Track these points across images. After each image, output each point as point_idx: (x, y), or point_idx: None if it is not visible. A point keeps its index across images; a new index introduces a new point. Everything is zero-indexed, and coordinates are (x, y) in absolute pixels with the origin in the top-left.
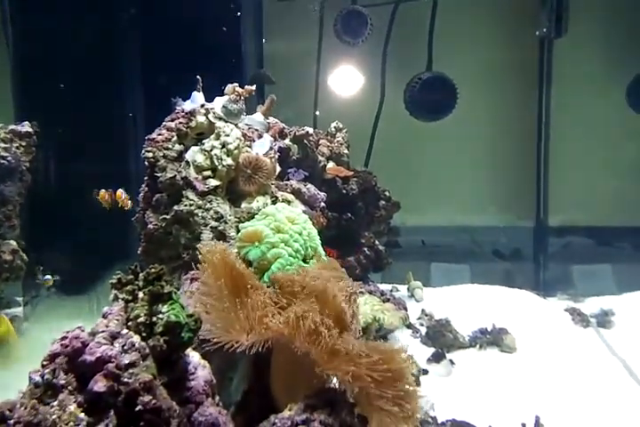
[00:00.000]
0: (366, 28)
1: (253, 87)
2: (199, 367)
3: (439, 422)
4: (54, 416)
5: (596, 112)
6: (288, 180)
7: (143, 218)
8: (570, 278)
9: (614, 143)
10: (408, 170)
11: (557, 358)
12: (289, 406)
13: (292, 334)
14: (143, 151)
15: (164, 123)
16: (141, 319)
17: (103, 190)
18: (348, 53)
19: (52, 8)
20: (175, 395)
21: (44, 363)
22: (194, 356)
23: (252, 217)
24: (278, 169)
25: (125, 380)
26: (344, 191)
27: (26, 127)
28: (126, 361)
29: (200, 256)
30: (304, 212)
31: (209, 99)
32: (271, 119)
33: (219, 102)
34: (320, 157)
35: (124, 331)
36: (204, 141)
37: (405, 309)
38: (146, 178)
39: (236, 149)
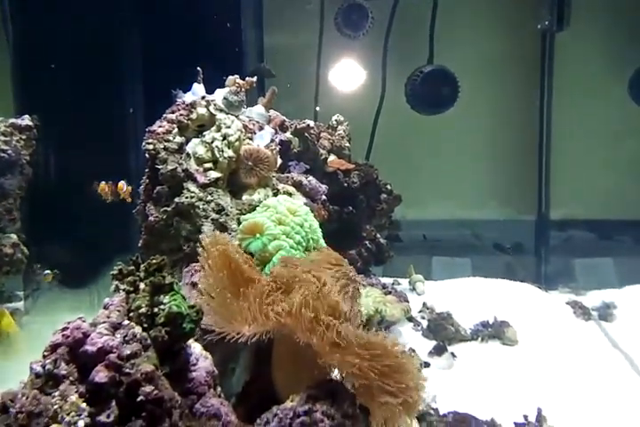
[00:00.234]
0: (367, 21)
1: (254, 79)
2: (201, 358)
3: (441, 413)
4: (56, 406)
5: (597, 105)
6: (289, 173)
7: (144, 210)
8: (571, 272)
9: (615, 137)
10: (409, 164)
11: (559, 351)
12: (291, 397)
13: (294, 323)
14: (144, 143)
15: (164, 115)
16: (143, 310)
17: (103, 182)
18: (349, 47)
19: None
20: (177, 386)
21: (46, 353)
22: (195, 347)
23: (254, 209)
24: (279, 162)
25: (127, 370)
26: (345, 184)
27: (26, 121)
28: (128, 352)
29: (201, 248)
30: (305, 204)
31: (209, 93)
32: (272, 112)
33: (219, 94)
34: (321, 151)
35: (126, 322)
36: (204, 133)
37: (407, 302)
38: (146, 170)
39: (237, 140)
